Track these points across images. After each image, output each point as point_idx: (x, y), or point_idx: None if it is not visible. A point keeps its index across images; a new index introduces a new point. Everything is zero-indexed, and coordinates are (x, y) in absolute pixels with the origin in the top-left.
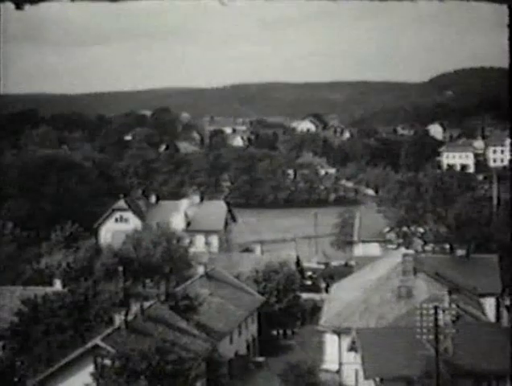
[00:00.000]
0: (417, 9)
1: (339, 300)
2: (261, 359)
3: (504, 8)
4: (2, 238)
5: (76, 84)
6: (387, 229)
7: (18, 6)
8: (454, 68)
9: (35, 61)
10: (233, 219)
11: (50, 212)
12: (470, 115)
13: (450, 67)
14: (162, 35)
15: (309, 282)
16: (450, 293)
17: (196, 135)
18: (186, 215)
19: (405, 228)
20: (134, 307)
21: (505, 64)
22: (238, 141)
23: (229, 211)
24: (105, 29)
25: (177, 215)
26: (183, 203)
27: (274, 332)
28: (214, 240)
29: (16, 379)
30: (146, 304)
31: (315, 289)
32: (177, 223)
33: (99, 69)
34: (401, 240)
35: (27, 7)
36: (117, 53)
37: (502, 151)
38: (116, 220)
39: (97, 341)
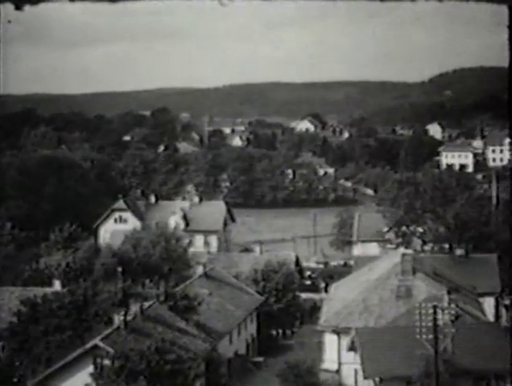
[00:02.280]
0: (416, 9)
1: (338, 300)
2: (260, 358)
3: (504, 8)
4: (1, 238)
5: (75, 84)
6: (386, 229)
7: (18, 7)
8: (453, 68)
9: (34, 61)
10: (232, 219)
11: (49, 212)
12: (469, 115)
13: (449, 67)
14: (161, 35)
15: (308, 282)
16: (449, 292)
17: (195, 135)
18: (185, 216)
19: (404, 228)
20: (134, 307)
21: (504, 64)
22: (237, 141)
23: (228, 211)
24: (104, 29)
25: (176, 215)
26: (183, 203)
27: (274, 332)
28: (213, 240)
29: (15, 380)
30: (146, 304)
31: (314, 288)
32: (176, 223)
33: (98, 69)
34: (400, 240)
35: (27, 8)
36: (116, 53)
37: (501, 151)
38: (115, 220)
39: (97, 341)
